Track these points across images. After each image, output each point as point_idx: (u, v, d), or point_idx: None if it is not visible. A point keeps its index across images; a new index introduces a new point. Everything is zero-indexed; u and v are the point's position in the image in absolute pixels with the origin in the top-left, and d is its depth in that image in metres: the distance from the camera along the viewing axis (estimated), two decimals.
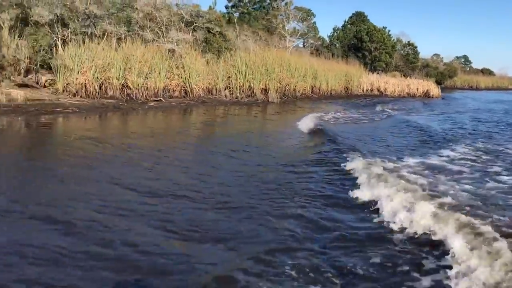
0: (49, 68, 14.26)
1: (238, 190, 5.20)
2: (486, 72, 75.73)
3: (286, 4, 32.05)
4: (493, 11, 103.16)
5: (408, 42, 47.05)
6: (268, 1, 33.08)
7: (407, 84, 30.23)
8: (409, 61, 45.38)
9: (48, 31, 13.55)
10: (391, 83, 29.80)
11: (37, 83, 13.74)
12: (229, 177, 5.87)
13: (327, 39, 40.41)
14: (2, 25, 12.59)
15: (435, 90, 30.77)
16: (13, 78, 13.05)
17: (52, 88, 13.34)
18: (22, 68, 13.25)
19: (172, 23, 16.06)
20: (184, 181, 5.52)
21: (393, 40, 41.99)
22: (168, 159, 6.88)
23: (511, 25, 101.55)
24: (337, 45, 39.23)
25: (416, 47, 46.68)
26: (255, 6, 33.38)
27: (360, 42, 37.78)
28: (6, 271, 2.98)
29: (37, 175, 5.60)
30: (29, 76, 13.67)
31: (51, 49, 13.50)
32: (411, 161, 6.88)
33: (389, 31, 38.70)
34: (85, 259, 3.28)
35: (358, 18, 41.83)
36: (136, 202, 4.61)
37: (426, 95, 30.33)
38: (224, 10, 31.91)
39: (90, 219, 4.02)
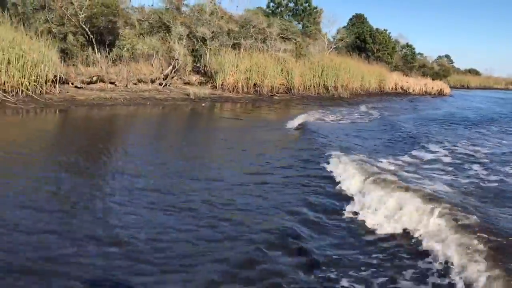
0: (195, 71, 20.57)
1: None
2: (473, 72, 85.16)
3: (317, 12, 38.93)
4: (475, 12, 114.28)
5: (407, 43, 54.65)
6: (301, 7, 39.79)
7: (424, 83, 37.82)
8: (408, 62, 52.78)
9: (202, 44, 19.82)
10: (411, 82, 37.29)
11: (189, 82, 19.98)
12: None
13: (331, 39, 46.73)
14: (174, 39, 18.76)
15: (447, 89, 38.60)
16: (183, 78, 19.30)
17: (211, 85, 19.63)
18: (187, 70, 19.50)
19: (274, 35, 22.62)
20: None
21: (393, 41, 49.24)
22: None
23: (493, 27, 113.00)
24: (341, 45, 45.53)
25: (414, 48, 54.26)
26: (289, 13, 40.07)
27: (363, 43, 43.95)
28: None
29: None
30: (188, 77, 19.92)
31: (208, 57, 19.77)
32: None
33: (389, 33, 45.64)
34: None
35: (358, 20, 48.85)
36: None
37: (440, 93, 38.03)
38: None
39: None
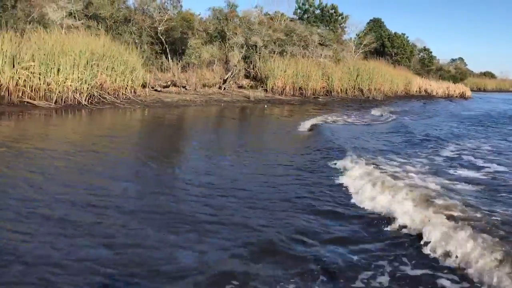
0: (246, 76, 22.87)
1: None
2: (488, 75, 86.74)
3: (343, 18, 41.15)
4: (488, 15, 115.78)
5: (424, 47, 56.58)
6: (328, 13, 42.02)
7: (447, 87, 39.90)
8: (425, 65, 54.66)
9: (253, 51, 22.16)
10: (434, 85, 39.40)
11: (242, 86, 22.28)
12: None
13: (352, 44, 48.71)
14: (233, 47, 21.11)
15: (468, 92, 40.67)
16: (237, 82, 21.65)
17: (262, 88, 21.95)
18: (241, 76, 21.83)
19: (316, 42, 24.94)
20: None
21: (411, 45, 51.19)
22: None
23: (506, 29, 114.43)
24: (367, 49, 47.58)
25: (431, 52, 56.13)
26: (315, 20, 42.32)
27: (382, 47, 45.85)
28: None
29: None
30: (241, 81, 22.26)
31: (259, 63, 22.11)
32: None
33: (407, 37, 47.59)
34: None
35: (376, 24, 50.93)
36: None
37: (462, 96, 40.08)
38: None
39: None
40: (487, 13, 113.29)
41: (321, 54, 24.61)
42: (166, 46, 18.34)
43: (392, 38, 46.99)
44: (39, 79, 12.26)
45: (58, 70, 12.60)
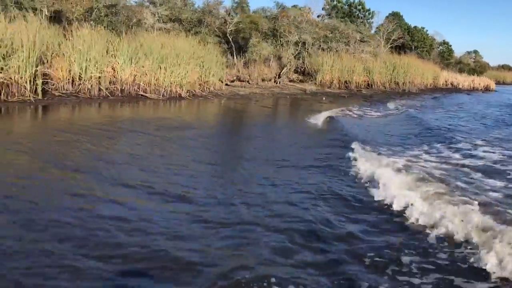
0: (295, 71, 25.17)
1: None
2: (506, 68, 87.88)
3: (370, 14, 43.12)
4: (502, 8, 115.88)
5: (443, 40, 58.17)
6: (355, 9, 43.99)
7: (472, 80, 41.86)
8: (445, 58, 56.28)
9: (297, 48, 24.45)
10: (460, 79, 41.38)
11: (293, 80, 24.59)
12: None
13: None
14: (289, 44, 23.40)
15: (492, 85, 42.65)
16: (288, 76, 23.98)
17: (310, 82, 24.27)
18: (292, 71, 24.15)
19: (357, 39, 27.17)
20: None
21: (431, 39, 52.85)
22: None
23: None
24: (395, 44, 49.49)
25: (450, 45, 57.72)
26: (342, 16, 44.35)
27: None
28: None
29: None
30: (291, 75, 24.58)
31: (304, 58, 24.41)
32: None
33: (426, 30, 49.29)
34: None
35: (395, 18, 52.61)
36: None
37: (487, 88, 42.03)
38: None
39: None
40: (499, 5, 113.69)
41: (362, 50, 26.84)
42: (233, 44, 20.70)
43: (412, 31, 48.74)
44: (150, 75, 14.70)
45: (165, 67, 15.02)
